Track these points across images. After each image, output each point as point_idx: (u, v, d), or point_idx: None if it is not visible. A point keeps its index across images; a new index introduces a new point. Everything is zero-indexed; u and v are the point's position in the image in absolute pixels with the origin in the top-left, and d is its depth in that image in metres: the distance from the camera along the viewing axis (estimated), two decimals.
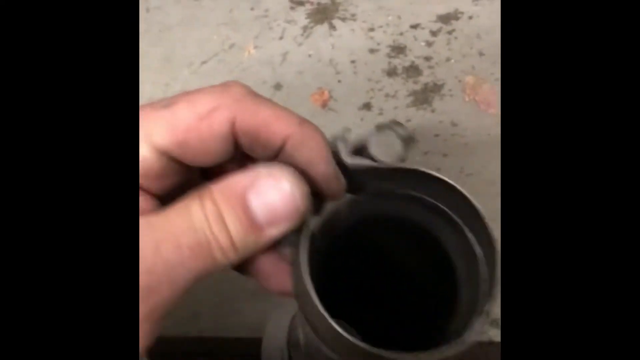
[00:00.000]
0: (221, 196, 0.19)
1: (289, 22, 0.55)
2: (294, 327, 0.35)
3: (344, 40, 0.54)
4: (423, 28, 0.54)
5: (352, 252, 0.26)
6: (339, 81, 0.52)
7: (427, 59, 0.52)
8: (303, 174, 0.21)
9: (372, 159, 0.22)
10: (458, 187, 0.22)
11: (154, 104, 0.21)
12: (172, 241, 0.19)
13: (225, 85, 0.21)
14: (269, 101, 0.21)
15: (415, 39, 0.53)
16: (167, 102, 0.21)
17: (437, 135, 0.49)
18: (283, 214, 0.20)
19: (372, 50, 0.53)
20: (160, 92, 0.52)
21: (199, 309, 0.44)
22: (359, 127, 0.50)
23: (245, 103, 0.21)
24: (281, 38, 0.54)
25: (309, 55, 0.53)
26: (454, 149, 0.48)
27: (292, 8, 0.56)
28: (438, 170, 0.24)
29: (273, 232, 0.20)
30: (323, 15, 0.55)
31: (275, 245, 0.23)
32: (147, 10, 0.56)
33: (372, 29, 0.54)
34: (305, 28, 0.55)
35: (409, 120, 0.50)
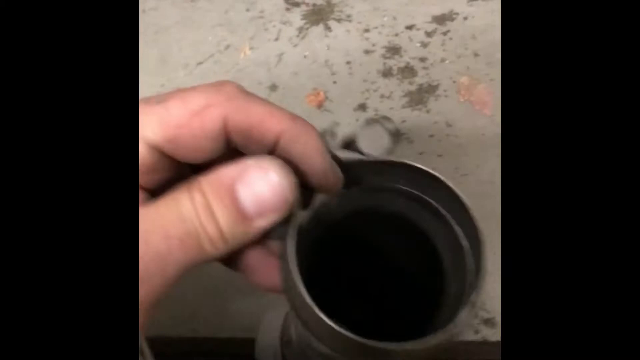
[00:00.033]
0: (209, 187, 0.20)
1: (284, 23, 0.56)
2: (287, 326, 0.35)
3: (340, 41, 0.54)
4: (418, 29, 0.54)
5: (341, 245, 0.26)
6: (335, 82, 0.52)
7: (422, 59, 0.53)
8: (299, 169, 0.22)
9: (360, 152, 0.23)
10: (444, 179, 0.23)
11: (148, 100, 0.21)
12: (160, 232, 0.19)
13: (218, 84, 0.22)
14: (261, 99, 0.22)
15: (411, 39, 0.54)
16: (161, 99, 0.21)
17: (432, 136, 0.49)
18: (272, 204, 0.20)
19: (367, 51, 0.54)
20: (156, 93, 0.52)
21: (195, 310, 0.45)
22: (354, 128, 0.50)
23: (237, 101, 0.21)
24: (277, 39, 0.55)
25: (305, 56, 0.54)
26: (448, 150, 0.48)
27: (287, 9, 0.56)
28: (433, 171, 0.24)
29: (262, 223, 0.20)
30: (318, 16, 0.56)
31: (263, 239, 0.23)
32: (143, 11, 0.56)
33: (367, 30, 0.55)
34: (300, 29, 0.55)
35: (404, 121, 0.50)
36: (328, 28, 0.55)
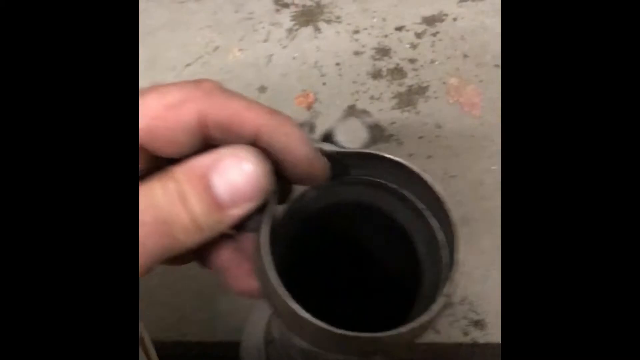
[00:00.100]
0: (183, 175, 0.20)
1: (273, 24, 0.56)
2: (270, 325, 0.35)
3: (329, 43, 0.55)
4: (408, 30, 0.55)
5: (317, 239, 0.27)
6: (324, 83, 0.53)
7: (412, 61, 0.53)
8: (281, 161, 0.22)
9: (338, 145, 0.24)
10: (419, 172, 0.23)
11: None
12: None
13: (196, 81, 0.23)
14: (239, 95, 0.22)
15: (400, 41, 0.54)
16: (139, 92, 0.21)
17: (421, 137, 0.50)
18: (246, 192, 0.20)
19: (357, 53, 0.54)
20: None
21: (183, 314, 0.45)
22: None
23: (214, 96, 0.22)
24: (266, 40, 0.55)
25: (294, 58, 0.54)
26: (438, 151, 0.49)
27: (277, 10, 0.57)
28: (409, 162, 0.24)
29: (236, 211, 0.21)
30: (308, 17, 0.56)
31: (239, 232, 0.24)
32: None
33: (357, 32, 0.55)
34: (290, 30, 0.56)
35: (393, 123, 0.51)
36: (317, 29, 0.56)
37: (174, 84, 0.22)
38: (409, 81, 0.52)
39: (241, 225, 0.23)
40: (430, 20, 0.55)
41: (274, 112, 0.22)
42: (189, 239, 0.20)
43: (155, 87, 0.22)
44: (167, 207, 0.20)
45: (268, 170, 0.21)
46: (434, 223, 0.24)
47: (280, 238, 0.24)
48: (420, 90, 0.52)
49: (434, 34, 0.54)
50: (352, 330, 0.21)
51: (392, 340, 0.21)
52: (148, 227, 0.20)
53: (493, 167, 0.48)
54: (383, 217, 0.26)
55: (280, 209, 0.24)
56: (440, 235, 0.24)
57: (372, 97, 0.52)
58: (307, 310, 0.21)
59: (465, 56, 0.53)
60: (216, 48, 0.55)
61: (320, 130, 0.25)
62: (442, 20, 0.55)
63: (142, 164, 0.23)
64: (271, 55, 0.55)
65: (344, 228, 0.27)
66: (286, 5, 0.57)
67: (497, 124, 0.50)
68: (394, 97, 0.52)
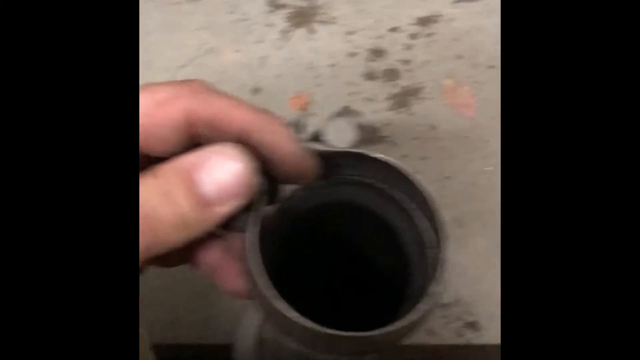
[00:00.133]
0: (170, 172, 0.20)
1: (268, 25, 0.56)
2: (263, 327, 0.36)
3: (323, 44, 0.55)
4: (402, 31, 0.55)
5: (307, 238, 0.27)
6: (318, 85, 0.53)
7: (406, 62, 0.53)
8: (268, 160, 0.23)
9: (327, 145, 0.24)
10: (406, 171, 0.24)
11: None
12: None
13: (186, 80, 0.23)
14: (227, 95, 0.23)
15: (395, 42, 0.54)
16: None
17: (415, 139, 0.50)
18: (233, 190, 0.21)
19: (351, 54, 0.54)
20: None
21: (177, 316, 0.45)
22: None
23: (203, 94, 0.22)
24: (260, 42, 0.55)
25: (288, 59, 0.54)
26: (432, 152, 0.49)
27: (271, 11, 0.57)
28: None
29: (223, 209, 0.21)
30: (302, 18, 0.56)
31: (226, 232, 0.24)
32: None
33: (351, 33, 0.55)
34: (284, 32, 0.56)
35: (387, 124, 0.51)
36: (312, 30, 0.56)
37: (164, 82, 0.23)
38: (403, 82, 0.53)
39: (230, 225, 0.23)
40: (424, 21, 0.55)
41: (261, 110, 0.23)
42: (175, 236, 0.20)
43: (145, 86, 0.22)
44: (152, 203, 0.20)
45: (254, 167, 0.21)
46: (422, 223, 0.25)
47: (270, 238, 0.24)
48: (414, 92, 0.52)
49: (429, 35, 0.54)
50: (342, 329, 0.21)
51: (380, 340, 0.22)
52: None
53: (487, 169, 0.48)
54: (372, 217, 0.26)
55: (269, 209, 0.24)
56: (428, 235, 0.24)
57: (366, 98, 0.52)
58: (297, 310, 0.21)
59: (460, 57, 0.53)
60: (210, 49, 0.56)
61: (312, 131, 0.25)
62: (436, 21, 0.55)
63: None
64: (265, 56, 0.55)
65: (334, 228, 0.28)
66: (280, 7, 0.57)
67: (491, 125, 0.50)
68: (388, 98, 0.52)
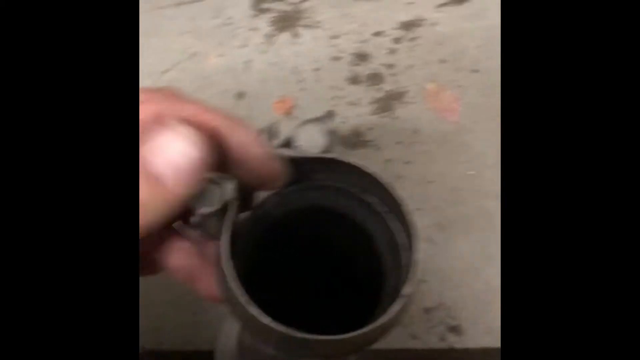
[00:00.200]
0: None
1: (252, 30, 0.56)
2: (243, 331, 0.36)
3: (308, 48, 0.55)
4: (386, 36, 0.55)
5: (282, 244, 0.28)
6: (302, 89, 0.53)
7: (390, 66, 0.54)
8: (239, 166, 0.23)
9: (298, 150, 0.25)
10: (376, 175, 0.24)
11: None
12: None
13: (158, 87, 0.23)
14: (197, 100, 0.23)
15: (379, 46, 0.55)
16: None
17: (399, 143, 0.50)
18: (186, 169, 0.21)
19: (335, 58, 0.55)
20: None
21: (159, 322, 0.45)
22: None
23: (172, 99, 0.22)
24: (244, 46, 0.56)
25: (272, 63, 0.55)
26: (415, 157, 0.49)
27: (255, 16, 0.57)
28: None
29: (180, 189, 0.21)
30: (286, 23, 0.57)
31: (201, 240, 0.24)
32: None
33: (335, 37, 0.56)
34: (268, 36, 0.56)
35: (371, 128, 0.51)
36: (296, 35, 0.56)
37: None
38: (387, 86, 0.53)
39: (203, 232, 0.24)
40: (408, 26, 0.56)
41: (230, 115, 0.23)
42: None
43: None
44: None
45: (208, 147, 0.21)
46: (394, 225, 0.25)
47: (244, 244, 0.25)
48: (398, 96, 0.53)
49: (412, 39, 0.55)
50: (319, 333, 0.21)
51: (354, 342, 0.22)
52: None
53: (470, 173, 0.49)
54: (345, 221, 0.27)
55: (243, 216, 0.24)
56: (400, 237, 0.25)
57: (350, 103, 0.53)
58: (272, 315, 0.21)
59: (443, 61, 0.54)
60: (194, 54, 0.56)
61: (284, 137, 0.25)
62: (420, 26, 0.55)
63: None
64: (249, 60, 0.55)
65: (308, 232, 0.28)
66: (265, 11, 0.57)
67: (474, 130, 0.51)
68: (372, 103, 0.52)
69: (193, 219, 0.24)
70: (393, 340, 0.43)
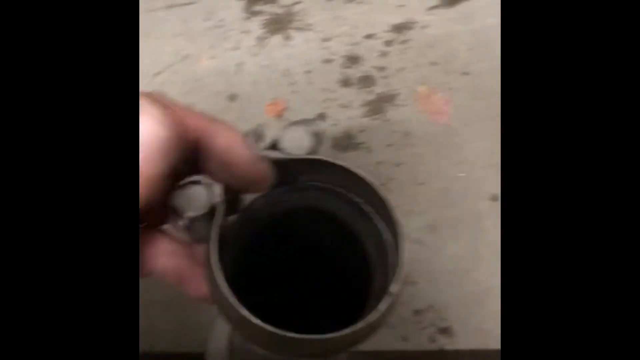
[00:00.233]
0: None
1: (244, 32, 0.57)
2: (233, 334, 0.36)
3: (299, 51, 0.56)
4: (377, 38, 0.56)
5: (270, 245, 0.28)
6: (294, 92, 0.53)
7: (381, 69, 0.54)
8: (224, 165, 0.23)
9: (284, 152, 0.25)
10: (361, 174, 0.24)
11: None
12: None
13: (143, 91, 0.23)
14: (182, 104, 0.23)
15: (370, 49, 0.55)
16: None
17: (390, 145, 0.51)
18: (156, 148, 0.21)
19: (327, 61, 0.55)
20: None
21: (151, 324, 0.45)
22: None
23: (158, 103, 0.22)
24: (236, 48, 0.56)
25: (264, 66, 0.55)
26: (406, 159, 0.50)
27: (247, 18, 0.57)
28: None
29: (150, 169, 0.21)
30: (278, 25, 0.57)
31: (191, 244, 0.24)
32: None
33: (327, 39, 0.56)
34: (260, 38, 0.56)
35: (362, 130, 0.51)
36: (288, 37, 0.56)
37: None
38: (378, 89, 0.53)
39: (192, 235, 0.24)
40: (399, 28, 0.56)
41: (215, 118, 0.23)
42: None
43: None
44: None
45: (178, 128, 0.21)
46: (381, 225, 0.25)
47: (232, 247, 0.25)
48: (389, 98, 0.53)
49: (403, 42, 0.55)
50: (308, 333, 0.21)
51: (342, 341, 0.22)
52: None
53: (460, 175, 0.49)
54: (332, 221, 0.27)
55: (231, 219, 0.25)
56: (387, 236, 0.25)
57: (341, 105, 0.53)
58: (262, 316, 0.21)
59: (434, 64, 0.54)
60: (186, 56, 0.56)
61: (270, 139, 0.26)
62: (411, 28, 0.56)
63: None
64: (241, 63, 0.55)
65: (295, 233, 0.28)
66: (257, 13, 0.58)
67: (464, 132, 0.51)
68: (363, 105, 0.53)
69: (181, 223, 0.24)
70: (383, 342, 0.44)
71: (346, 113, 0.53)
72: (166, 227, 0.26)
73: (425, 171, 0.49)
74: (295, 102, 0.53)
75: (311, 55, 0.55)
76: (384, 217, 0.25)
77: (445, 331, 0.44)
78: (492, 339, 0.44)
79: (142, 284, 0.46)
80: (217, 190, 0.24)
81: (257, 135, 0.24)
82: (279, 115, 0.53)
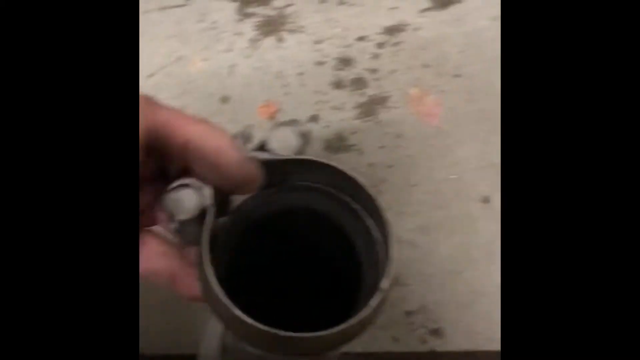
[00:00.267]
0: None
1: (237, 34, 0.57)
2: (226, 332, 0.36)
3: (292, 53, 0.56)
4: (370, 40, 0.56)
5: (261, 245, 0.28)
6: (287, 93, 0.54)
7: (373, 71, 0.54)
8: (213, 167, 0.23)
9: (272, 153, 0.25)
10: (350, 173, 0.25)
11: None
12: None
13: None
14: (170, 107, 0.24)
15: (362, 51, 0.55)
16: None
17: (382, 147, 0.51)
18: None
19: (319, 63, 0.55)
20: None
21: (143, 326, 0.45)
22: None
23: (148, 106, 0.23)
24: (229, 50, 0.56)
25: (257, 68, 0.55)
26: (398, 160, 0.50)
27: (240, 20, 0.57)
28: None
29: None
30: (271, 27, 0.57)
31: (183, 246, 0.25)
32: None
33: (319, 42, 0.56)
34: (253, 40, 0.56)
35: (354, 132, 0.52)
36: (280, 39, 0.56)
37: None
38: (370, 91, 0.54)
39: (183, 238, 0.24)
40: (391, 30, 0.56)
41: (204, 120, 0.23)
42: None
43: None
44: None
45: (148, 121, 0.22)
46: (370, 223, 0.26)
47: (224, 249, 0.25)
48: (381, 100, 0.53)
49: (395, 44, 0.56)
50: (301, 332, 0.21)
51: (334, 338, 0.22)
52: None
53: (452, 176, 0.49)
54: (322, 220, 0.27)
55: (221, 221, 0.25)
56: (376, 234, 0.25)
57: (334, 107, 0.53)
58: (254, 315, 0.22)
59: (426, 66, 0.54)
60: (179, 58, 0.56)
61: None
62: (403, 30, 0.56)
63: None
64: (234, 65, 0.55)
65: (285, 233, 0.29)
66: (249, 15, 0.58)
67: (456, 134, 0.51)
68: (355, 107, 0.53)
69: (171, 226, 0.24)
70: (375, 344, 0.44)
71: (338, 115, 0.53)
72: (156, 228, 0.27)
73: (417, 173, 0.50)
74: (287, 104, 0.54)
75: (303, 57, 0.56)
76: (372, 215, 0.25)
77: (436, 332, 0.44)
78: (483, 340, 0.44)
79: None
80: (207, 192, 0.24)
81: (245, 136, 0.24)
82: (272, 117, 0.53)
